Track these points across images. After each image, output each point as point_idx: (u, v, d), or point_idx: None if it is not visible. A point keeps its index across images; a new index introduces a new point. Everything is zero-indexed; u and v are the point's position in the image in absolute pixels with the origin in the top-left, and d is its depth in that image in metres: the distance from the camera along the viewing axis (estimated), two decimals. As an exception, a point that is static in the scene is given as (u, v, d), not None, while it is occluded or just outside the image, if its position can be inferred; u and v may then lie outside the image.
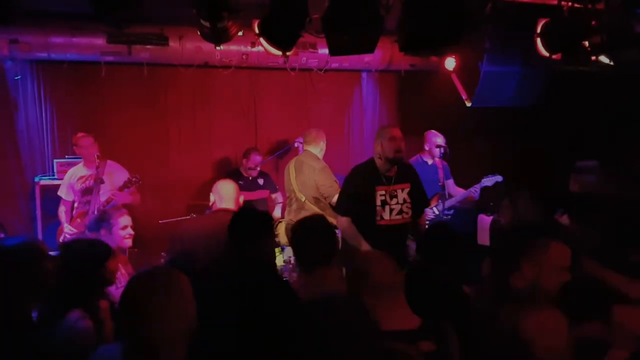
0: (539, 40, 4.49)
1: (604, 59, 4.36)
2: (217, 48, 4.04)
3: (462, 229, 4.50)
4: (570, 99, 5.22)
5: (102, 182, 4.60)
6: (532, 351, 1.65)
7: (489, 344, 1.85)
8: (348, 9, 3.48)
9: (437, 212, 5.13)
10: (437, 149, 5.17)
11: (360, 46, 3.70)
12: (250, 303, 2.13)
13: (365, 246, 3.56)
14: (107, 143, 5.03)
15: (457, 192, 5.33)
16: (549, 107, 5.40)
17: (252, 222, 2.66)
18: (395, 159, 3.68)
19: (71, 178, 4.80)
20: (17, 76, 5.27)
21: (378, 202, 3.71)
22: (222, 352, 2.00)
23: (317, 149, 4.68)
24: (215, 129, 6.09)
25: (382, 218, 3.73)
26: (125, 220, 3.53)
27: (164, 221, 5.13)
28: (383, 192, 3.73)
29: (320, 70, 5.73)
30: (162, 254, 4.16)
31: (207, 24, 3.58)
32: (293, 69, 5.65)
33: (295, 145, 5.67)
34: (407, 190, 3.80)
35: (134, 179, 4.57)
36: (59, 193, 4.83)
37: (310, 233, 2.70)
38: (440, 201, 5.09)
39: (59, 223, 4.81)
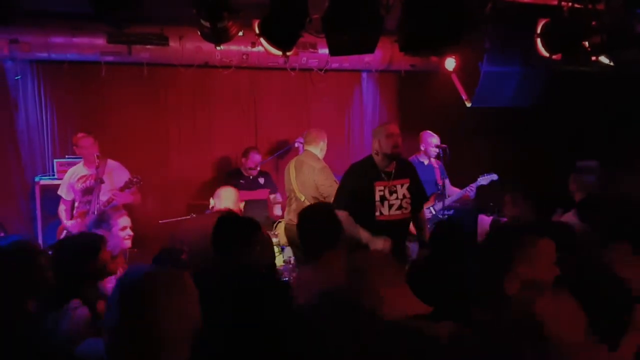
0: (539, 40, 4.50)
1: (604, 59, 4.37)
2: (217, 48, 4.05)
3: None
4: (570, 99, 5.23)
5: (102, 182, 4.59)
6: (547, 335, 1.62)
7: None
8: (348, 9, 3.49)
9: (434, 212, 5.13)
10: (433, 149, 5.16)
11: (360, 46, 3.71)
12: (241, 306, 2.13)
13: (364, 234, 3.55)
14: (107, 143, 5.02)
15: (453, 192, 5.34)
16: (549, 107, 5.41)
17: (233, 231, 2.68)
18: (394, 154, 3.68)
19: (71, 177, 4.80)
20: (17, 76, 5.26)
21: (377, 198, 3.71)
22: (216, 354, 1.99)
23: (318, 149, 4.67)
24: (216, 129, 6.08)
25: (381, 213, 3.73)
26: (124, 221, 3.52)
27: (164, 221, 5.12)
28: (382, 188, 3.73)
29: (321, 70, 5.74)
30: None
31: (207, 24, 3.59)
32: (293, 69, 5.65)
33: (296, 145, 5.67)
34: (406, 185, 3.80)
35: (135, 180, 4.56)
36: (58, 192, 4.84)
37: (315, 217, 2.76)
38: (437, 201, 5.09)
39: (59, 223, 4.80)
